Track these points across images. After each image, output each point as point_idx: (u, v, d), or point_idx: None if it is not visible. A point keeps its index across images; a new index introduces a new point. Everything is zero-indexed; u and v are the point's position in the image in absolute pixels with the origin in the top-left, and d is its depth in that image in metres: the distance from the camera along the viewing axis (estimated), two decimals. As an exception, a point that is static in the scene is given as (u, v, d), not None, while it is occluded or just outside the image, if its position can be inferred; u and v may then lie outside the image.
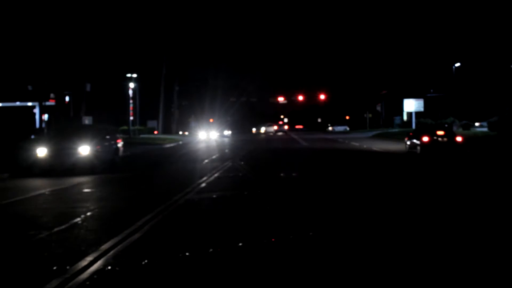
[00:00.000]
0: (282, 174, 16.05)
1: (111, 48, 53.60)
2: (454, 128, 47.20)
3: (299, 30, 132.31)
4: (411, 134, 25.82)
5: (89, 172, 16.42)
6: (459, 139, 24.05)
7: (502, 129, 32.91)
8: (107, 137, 19.41)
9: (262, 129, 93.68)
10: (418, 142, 23.94)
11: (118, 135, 21.52)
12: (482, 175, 15.44)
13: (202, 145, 37.31)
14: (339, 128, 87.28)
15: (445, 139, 23.66)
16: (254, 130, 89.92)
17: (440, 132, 23.84)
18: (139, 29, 58.85)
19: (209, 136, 53.80)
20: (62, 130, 22.52)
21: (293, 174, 16.05)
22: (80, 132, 18.53)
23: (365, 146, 31.73)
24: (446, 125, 28.33)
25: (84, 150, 16.83)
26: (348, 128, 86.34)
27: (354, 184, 13.25)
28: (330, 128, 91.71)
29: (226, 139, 51.49)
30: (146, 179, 15.67)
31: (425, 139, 23.46)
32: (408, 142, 25.56)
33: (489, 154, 23.47)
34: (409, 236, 7.05)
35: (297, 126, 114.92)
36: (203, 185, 13.16)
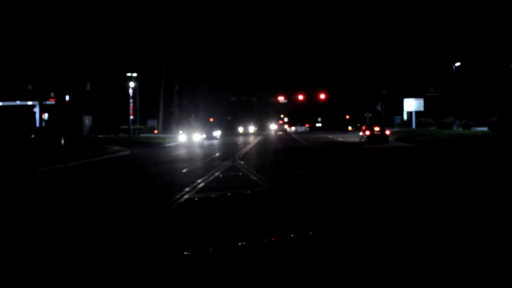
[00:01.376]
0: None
1: (111, 48, 53.66)
2: (454, 128, 47.25)
3: (299, 29, 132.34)
4: (363, 128, 36.47)
5: None
6: (387, 132, 35.70)
7: (502, 129, 32.88)
8: None
9: (251, 129, 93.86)
10: (364, 134, 35.55)
11: None
12: (391, 152, 26.14)
13: (178, 153, 27.36)
14: (301, 129, 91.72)
15: (379, 132, 34.83)
16: (241, 130, 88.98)
17: (377, 128, 35.09)
18: (139, 28, 58.90)
19: (191, 138, 39.45)
20: None
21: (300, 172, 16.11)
22: None
23: (340, 139, 44.12)
24: (380, 123, 39.95)
25: None
26: (308, 129, 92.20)
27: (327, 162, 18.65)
28: (293, 129, 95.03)
29: (215, 141, 43.32)
30: None
31: (367, 132, 35.12)
32: (360, 135, 37.39)
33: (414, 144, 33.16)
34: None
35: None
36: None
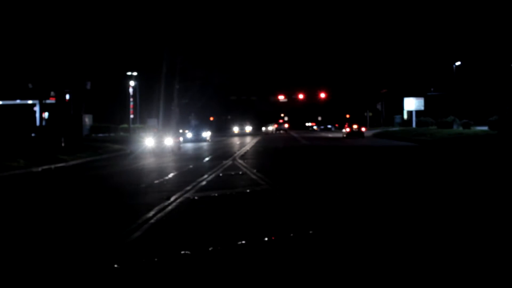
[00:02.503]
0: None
1: (112, 46, 53.54)
2: (455, 127, 47.29)
3: (299, 29, 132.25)
4: (346, 125, 46.61)
5: None
6: (363, 129, 46.25)
7: (502, 128, 32.86)
8: None
9: (248, 129, 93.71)
10: (345, 131, 46.10)
11: None
12: (364, 144, 33.22)
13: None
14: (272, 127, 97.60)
15: (357, 129, 44.66)
16: (237, 130, 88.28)
17: (355, 126, 45.27)
18: (139, 27, 58.83)
19: (162, 142, 28.26)
20: None
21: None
22: None
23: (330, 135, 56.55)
24: (357, 122, 49.80)
25: None
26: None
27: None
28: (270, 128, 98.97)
29: (204, 144, 37.87)
30: None
31: (348, 129, 45.46)
32: (343, 131, 47.60)
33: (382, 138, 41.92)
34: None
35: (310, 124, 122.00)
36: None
